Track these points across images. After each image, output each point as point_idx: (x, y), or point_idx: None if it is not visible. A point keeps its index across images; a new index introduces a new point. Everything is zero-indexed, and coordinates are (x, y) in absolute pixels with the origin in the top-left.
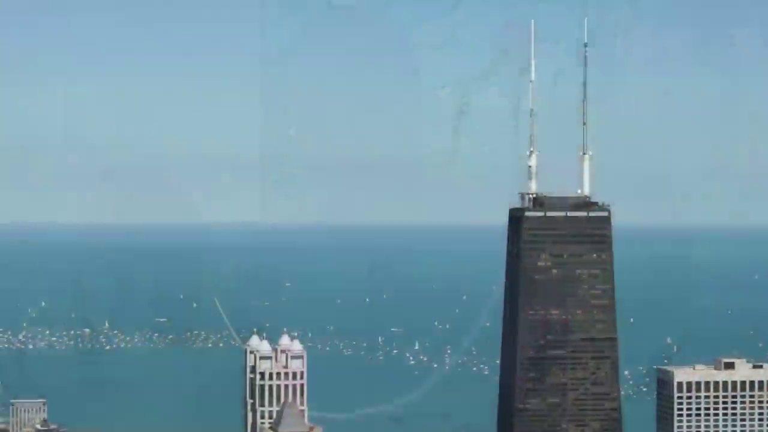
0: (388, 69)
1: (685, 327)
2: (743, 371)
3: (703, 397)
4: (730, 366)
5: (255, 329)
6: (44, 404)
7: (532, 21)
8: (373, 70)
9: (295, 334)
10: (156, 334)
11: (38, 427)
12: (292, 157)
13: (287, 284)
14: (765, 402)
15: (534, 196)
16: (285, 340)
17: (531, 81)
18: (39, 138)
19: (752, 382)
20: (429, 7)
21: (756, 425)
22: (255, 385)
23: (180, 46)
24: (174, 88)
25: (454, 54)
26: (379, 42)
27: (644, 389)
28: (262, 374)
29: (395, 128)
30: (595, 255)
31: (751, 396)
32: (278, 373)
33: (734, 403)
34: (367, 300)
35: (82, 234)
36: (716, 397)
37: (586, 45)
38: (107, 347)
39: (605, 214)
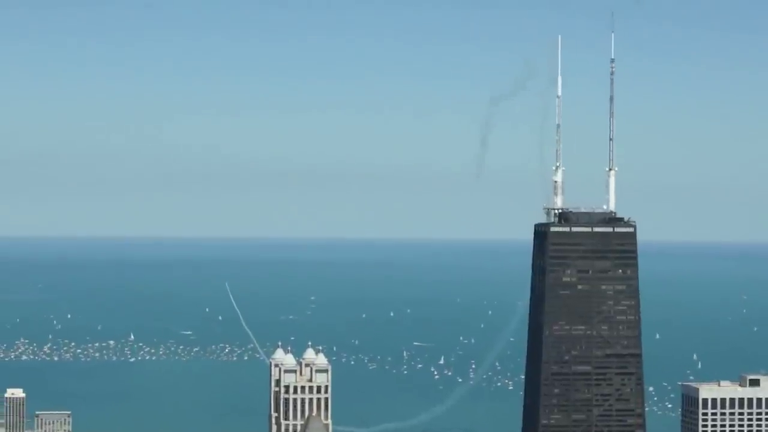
0: (419, 81)
1: (710, 343)
2: None
3: (728, 414)
4: (755, 383)
5: (279, 342)
6: (69, 416)
7: (559, 36)
8: (402, 80)
9: (320, 347)
10: (181, 347)
11: None
12: (308, 169)
13: (312, 298)
14: None
15: (560, 211)
16: (310, 354)
17: (558, 96)
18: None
19: None
20: (458, 21)
21: None
22: (279, 398)
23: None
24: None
25: (481, 68)
26: (406, 55)
27: (669, 405)
28: (287, 387)
29: (420, 140)
30: (620, 270)
31: None
32: (303, 387)
33: (759, 420)
34: (392, 314)
35: (105, 247)
36: (741, 414)
37: (612, 60)
38: (132, 359)
39: (631, 229)
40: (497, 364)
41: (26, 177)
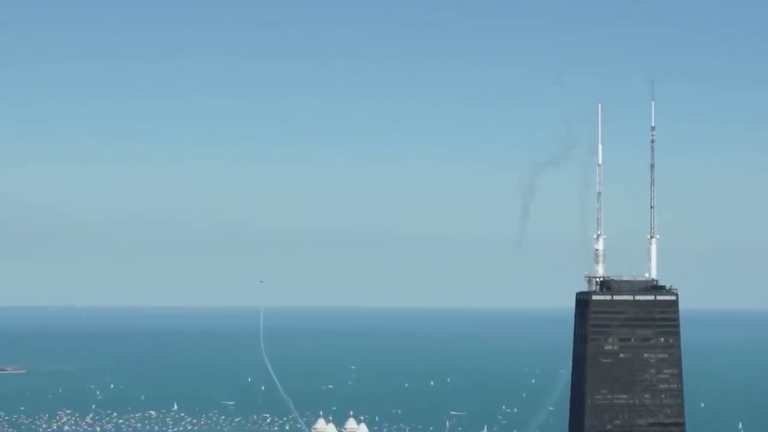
0: (460, 149)
1: (755, 411)
2: None
3: None
4: None
5: (321, 412)
6: None
7: (599, 104)
8: (442, 145)
9: (362, 417)
10: (223, 417)
11: None
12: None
13: (352, 367)
14: None
15: (601, 279)
16: (351, 424)
17: (599, 164)
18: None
19: None
20: (498, 85)
21: None
22: None
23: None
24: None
25: (523, 135)
26: (446, 119)
27: None
28: None
29: (463, 209)
30: (662, 339)
31: None
32: None
33: None
34: (432, 383)
35: (146, 316)
36: None
37: (653, 128)
38: (174, 429)
39: (673, 297)
40: None
41: (68, 246)
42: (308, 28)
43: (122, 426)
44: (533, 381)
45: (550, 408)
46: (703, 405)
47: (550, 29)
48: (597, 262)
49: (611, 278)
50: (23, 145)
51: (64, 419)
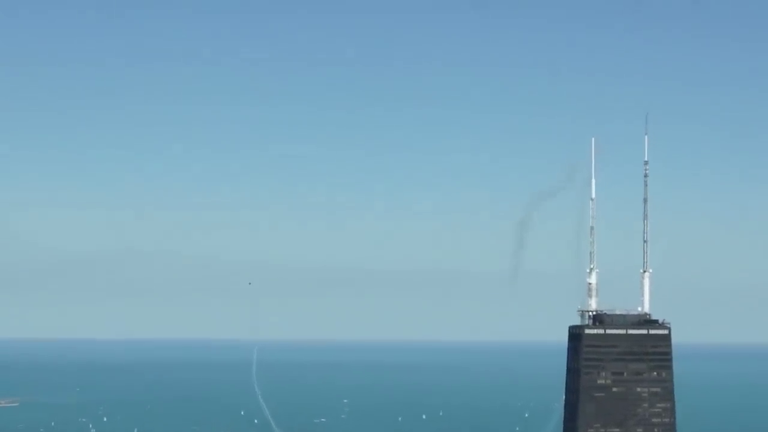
0: (452, 183)
1: None
2: None
3: None
4: None
5: None
6: None
7: (593, 139)
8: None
9: None
10: None
11: None
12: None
13: (345, 400)
14: None
15: (594, 313)
16: None
17: (592, 198)
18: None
19: None
20: (491, 123)
21: None
22: None
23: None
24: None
25: (516, 170)
26: (449, 163)
27: None
28: None
29: (456, 243)
30: (655, 373)
31: None
32: None
33: None
34: (424, 417)
35: (140, 349)
36: None
37: (646, 162)
38: None
39: (665, 331)
40: None
41: (63, 280)
42: (312, 72)
43: None
44: (527, 415)
45: None
46: None
47: (545, 62)
48: (590, 296)
49: (604, 312)
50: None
51: None
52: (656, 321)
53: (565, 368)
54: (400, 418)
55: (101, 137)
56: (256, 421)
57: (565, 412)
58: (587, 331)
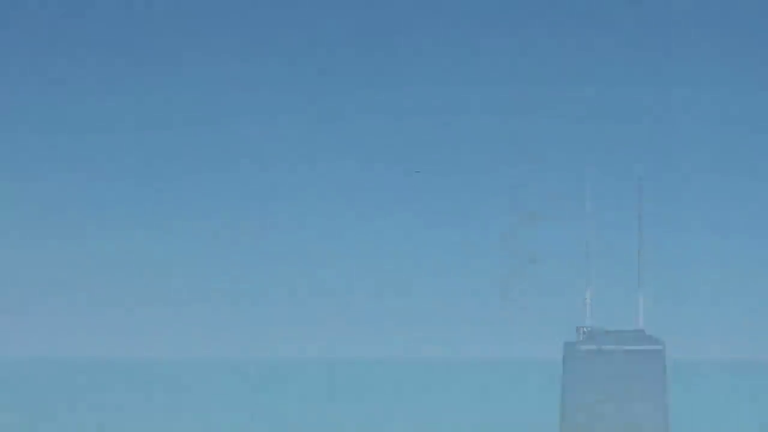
0: (449, 201)
1: None
2: None
3: None
4: None
5: None
6: None
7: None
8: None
9: None
10: None
11: None
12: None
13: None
14: None
15: (588, 329)
16: None
17: (586, 212)
18: None
19: None
20: (488, 142)
21: None
22: None
23: None
24: None
25: (510, 183)
26: (452, 190)
27: None
28: None
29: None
30: (649, 390)
31: None
32: None
33: None
34: None
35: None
36: None
37: (641, 178)
38: None
39: (660, 347)
40: None
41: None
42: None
43: None
44: None
45: None
46: None
47: (536, 100)
48: (584, 312)
49: (598, 328)
50: None
51: None
52: (650, 337)
53: (560, 385)
54: None
55: None
56: None
57: (560, 430)
58: (581, 347)
